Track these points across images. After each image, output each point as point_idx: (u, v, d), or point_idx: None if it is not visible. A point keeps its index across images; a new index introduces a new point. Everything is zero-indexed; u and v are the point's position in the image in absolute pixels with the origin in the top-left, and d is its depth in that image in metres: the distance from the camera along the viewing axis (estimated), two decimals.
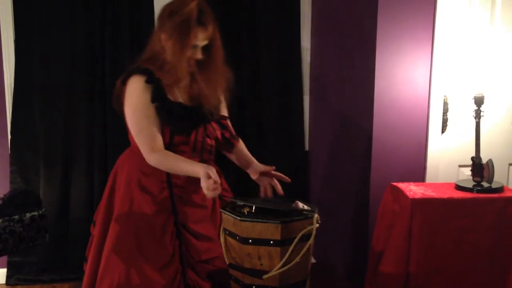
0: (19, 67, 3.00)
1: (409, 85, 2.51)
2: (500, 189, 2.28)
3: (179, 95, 2.03)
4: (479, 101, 2.32)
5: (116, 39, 3.03)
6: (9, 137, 3.05)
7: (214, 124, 2.10)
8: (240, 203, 1.96)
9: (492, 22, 2.57)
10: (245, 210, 1.91)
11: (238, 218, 1.85)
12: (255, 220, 1.83)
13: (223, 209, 1.95)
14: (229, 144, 2.17)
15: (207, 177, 1.81)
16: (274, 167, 2.14)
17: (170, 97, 2.00)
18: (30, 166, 3.07)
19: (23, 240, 2.20)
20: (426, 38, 2.49)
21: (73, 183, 3.09)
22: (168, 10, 1.97)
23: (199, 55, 1.98)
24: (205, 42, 1.97)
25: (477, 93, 2.33)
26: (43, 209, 2.32)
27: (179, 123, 1.99)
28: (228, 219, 1.90)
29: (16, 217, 2.18)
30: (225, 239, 1.94)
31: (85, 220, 3.10)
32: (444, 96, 2.55)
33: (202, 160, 2.05)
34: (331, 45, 3.04)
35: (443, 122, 2.56)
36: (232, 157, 2.24)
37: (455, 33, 2.52)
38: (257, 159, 3.31)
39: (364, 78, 2.58)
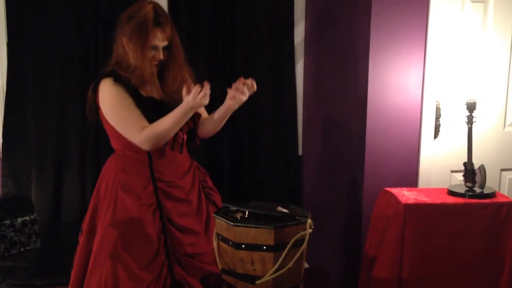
0: (12, 71, 2.98)
1: (402, 90, 2.52)
2: (492, 195, 2.29)
3: (149, 93, 2.10)
4: (471, 107, 2.34)
5: (109, 44, 3.01)
6: (1, 140, 3.03)
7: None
8: (233, 208, 1.96)
9: (484, 28, 2.59)
10: (238, 215, 1.91)
11: (231, 223, 1.84)
12: (248, 225, 1.83)
13: (216, 214, 1.95)
14: (194, 138, 2.21)
15: (195, 94, 1.90)
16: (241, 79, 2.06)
17: (142, 93, 2.08)
18: (22, 170, 3.05)
19: (14, 245, 2.19)
20: (418, 44, 2.50)
21: (65, 187, 3.07)
22: (126, 15, 2.06)
23: (160, 56, 2.06)
24: (164, 43, 2.05)
25: (469, 99, 2.35)
26: (35, 214, 2.31)
27: (152, 116, 2.03)
28: (221, 224, 1.90)
29: (8, 222, 2.17)
30: (218, 244, 1.94)
31: (77, 224, 3.05)
32: (437, 101, 2.56)
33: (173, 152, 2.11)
34: (325, 50, 3.05)
35: (435, 128, 2.57)
36: (210, 126, 2.22)
37: (447, 39, 2.54)
38: (250, 163, 3.31)
39: (357, 84, 2.59)
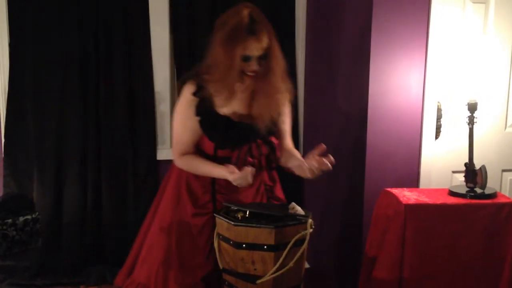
0: (14, 72, 2.99)
1: (403, 91, 2.53)
2: (493, 195, 2.29)
3: (236, 108, 2.00)
4: (472, 108, 2.34)
5: (110, 45, 3.03)
6: (3, 140, 3.04)
7: (261, 143, 2.03)
8: (234, 207, 1.96)
9: (485, 30, 2.59)
10: (239, 215, 1.91)
11: (232, 223, 1.85)
12: (249, 225, 1.83)
13: (217, 213, 1.95)
14: (270, 166, 2.14)
15: (231, 173, 1.87)
16: (323, 146, 1.96)
17: (222, 109, 1.97)
18: (23, 170, 3.06)
19: (16, 244, 2.20)
20: (420, 45, 2.50)
21: (66, 187, 3.07)
22: (221, 20, 1.92)
23: (254, 67, 1.89)
24: (258, 53, 1.88)
25: (470, 99, 2.35)
26: (36, 213, 2.32)
27: (221, 138, 1.99)
28: (222, 224, 1.90)
29: (9, 221, 2.18)
30: (219, 244, 1.94)
31: (78, 224, 3.09)
32: (438, 102, 2.56)
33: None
34: (326, 51, 3.05)
35: (436, 128, 2.57)
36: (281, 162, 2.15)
37: (448, 40, 2.54)
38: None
39: (359, 84, 2.59)
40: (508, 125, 2.69)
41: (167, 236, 2.05)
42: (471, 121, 2.34)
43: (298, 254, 1.85)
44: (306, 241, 1.87)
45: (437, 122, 2.57)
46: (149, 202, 3.13)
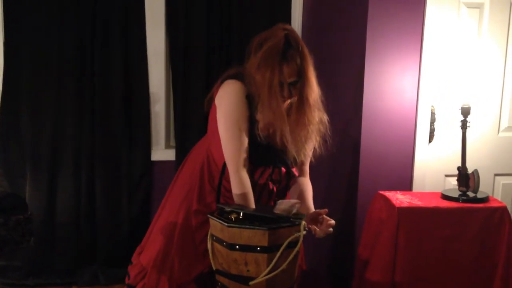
0: (8, 70, 2.97)
1: (397, 95, 2.54)
2: (485, 199, 2.30)
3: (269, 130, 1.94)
4: (465, 112, 2.35)
5: (106, 44, 3.02)
6: None
7: (284, 172, 2.01)
8: (227, 209, 1.96)
9: (479, 33, 2.61)
10: (233, 216, 1.91)
11: (226, 224, 1.84)
12: (243, 226, 1.83)
13: (210, 214, 1.95)
14: (279, 195, 2.11)
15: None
16: (326, 210, 1.98)
17: (259, 125, 1.90)
18: (16, 170, 3.05)
19: (7, 244, 2.18)
20: (414, 48, 2.51)
21: (60, 187, 3.06)
22: (257, 41, 1.87)
23: (285, 93, 1.84)
24: (291, 79, 1.83)
25: (464, 103, 2.36)
26: (29, 213, 2.31)
27: (252, 151, 1.92)
28: (216, 225, 1.90)
29: (1, 220, 2.16)
30: (212, 245, 1.94)
31: (71, 224, 3.08)
32: (431, 106, 2.57)
33: (258, 201, 2.01)
34: (321, 54, 3.06)
35: (430, 132, 2.58)
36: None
37: (443, 44, 2.55)
38: None
39: (353, 87, 2.60)
40: (501, 129, 2.70)
41: (172, 226, 2.06)
42: (464, 125, 2.35)
43: (291, 256, 1.85)
44: (300, 243, 1.87)
45: (430, 126, 2.58)
46: (143, 203, 3.17)
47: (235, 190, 1.94)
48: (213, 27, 3.12)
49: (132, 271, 2.17)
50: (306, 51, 1.88)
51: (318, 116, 1.96)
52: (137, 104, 3.12)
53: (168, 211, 2.14)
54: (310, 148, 2.07)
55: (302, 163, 2.14)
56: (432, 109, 2.57)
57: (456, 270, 2.25)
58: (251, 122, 1.91)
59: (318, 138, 2.02)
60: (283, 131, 1.88)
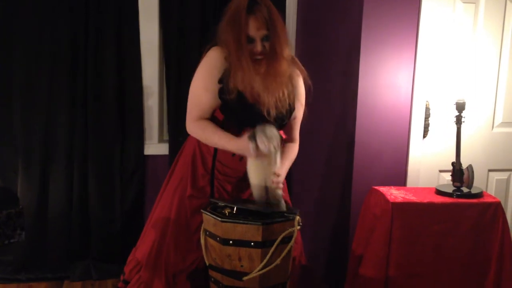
0: (0, 66, 2.94)
1: (392, 90, 2.53)
2: (479, 195, 2.30)
3: (249, 91, 1.95)
4: (460, 107, 2.35)
5: (100, 39, 2.99)
6: None
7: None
8: (221, 203, 1.95)
9: (475, 28, 2.60)
10: (226, 211, 1.90)
11: (219, 219, 1.83)
12: (236, 221, 1.82)
13: (204, 209, 1.94)
14: None
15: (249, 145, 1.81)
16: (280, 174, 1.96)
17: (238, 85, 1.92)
18: (8, 164, 3.02)
19: None
20: (409, 43, 2.51)
21: (52, 182, 3.04)
22: (226, 8, 1.94)
23: (258, 48, 1.88)
24: (262, 33, 1.87)
25: (459, 99, 2.36)
26: (20, 207, 2.28)
27: (233, 113, 1.95)
28: (209, 220, 1.89)
29: None
30: (206, 240, 1.93)
31: (64, 219, 3.06)
32: (426, 101, 2.57)
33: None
34: (316, 48, 3.05)
35: (424, 127, 2.58)
36: None
37: (438, 39, 2.54)
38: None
39: (348, 82, 2.59)
40: (495, 125, 2.70)
41: (166, 217, 2.06)
42: (458, 121, 2.35)
43: (285, 251, 1.85)
44: (294, 238, 1.86)
45: (425, 121, 2.58)
46: (136, 197, 3.15)
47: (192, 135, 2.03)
48: (207, 22, 3.10)
49: (127, 267, 2.17)
50: (272, 6, 1.92)
51: (289, 71, 1.98)
52: (130, 98, 3.09)
53: (162, 204, 2.13)
54: (298, 111, 2.09)
55: (291, 128, 2.12)
56: (427, 104, 2.57)
57: (450, 265, 2.26)
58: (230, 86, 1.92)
59: (301, 97, 2.06)
60: (251, 83, 1.90)
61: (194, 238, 2.03)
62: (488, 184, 2.73)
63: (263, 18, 1.86)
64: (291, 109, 2.04)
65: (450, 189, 2.33)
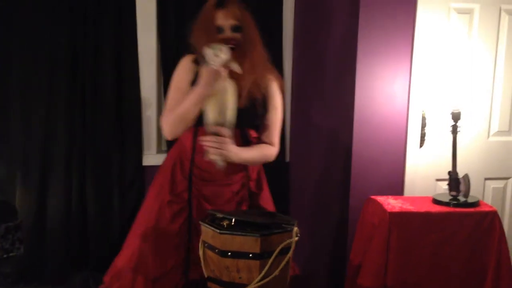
0: None
1: (388, 99, 2.55)
2: (476, 204, 2.32)
3: None
4: (456, 117, 2.36)
5: (98, 48, 3.01)
6: None
7: (238, 133, 2.04)
8: (219, 215, 1.95)
9: (469, 38, 2.63)
10: (225, 223, 1.91)
11: (218, 230, 1.84)
12: (234, 233, 1.83)
13: (202, 221, 1.94)
14: None
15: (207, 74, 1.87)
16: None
17: None
18: (6, 175, 3.02)
19: None
20: (405, 53, 2.53)
21: (50, 193, 3.04)
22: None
23: (227, 34, 1.98)
24: (231, 22, 1.98)
25: (454, 108, 2.37)
26: (19, 220, 2.29)
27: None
28: (207, 232, 1.90)
29: None
30: (204, 252, 1.93)
31: (62, 230, 3.06)
32: (422, 111, 2.59)
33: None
34: (313, 58, 3.07)
35: (421, 137, 2.60)
36: None
37: (433, 49, 2.57)
38: None
39: (344, 92, 2.61)
40: (491, 133, 2.72)
41: (147, 223, 2.09)
42: (454, 130, 2.37)
43: (284, 262, 1.86)
44: (292, 250, 1.87)
45: (421, 130, 2.60)
46: (135, 208, 3.14)
47: (165, 129, 2.07)
48: None
49: (107, 276, 2.18)
50: (242, 4, 2.04)
51: (266, 67, 2.07)
52: (129, 109, 3.10)
53: (143, 212, 2.17)
54: (273, 114, 2.10)
55: (267, 130, 2.13)
56: (423, 114, 2.59)
57: (447, 274, 2.26)
58: None
59: (275, 99, 2.09)
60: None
61: (174, 243, 2.06)
62: (484, 192, 2.75)
63: (233, 10, 1.99)
64: (264, 110, 2.09)
65: (447, 198, 2.34)
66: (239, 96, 1.98)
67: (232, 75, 1.95)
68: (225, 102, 1.93)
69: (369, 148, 2.54)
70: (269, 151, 2.12)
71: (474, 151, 2.69)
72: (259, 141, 2.12)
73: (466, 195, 2.34)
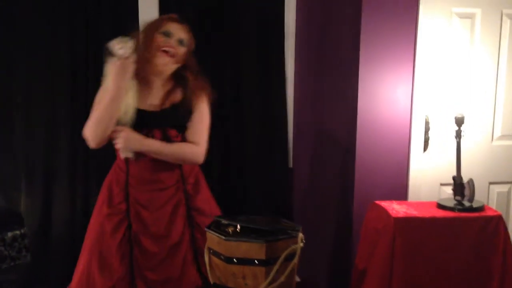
0: (0, 82, 2.97)
1: (391, 104, 2.55)
2: (480, 208, 2.31)
3: (149, 101, 2.09)
4: (459, 122, 2.36)
5: (100, 56, 3.00)
6: None
7: (158, 134, 2.08)
8: (224, 221, 1.96)
9: (472, 43, 2.63)
10: (230, 229, 1.91)
11: (223, 237, 1.85)
12: (240, 239, 1.83)
13: (207, 228, 1.95)
14: None
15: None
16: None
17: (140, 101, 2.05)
18: (11, 182, 3.02)
19: (4, 260, 2.17)
20: (407, 58, 2.53)
21: (55, 199, 3.04)
22: None
23: (172, 43, 2.03)
24: (180, 36, 2.05)
25: (458, 113, 2.38)
26: (25, 228, 2.29)
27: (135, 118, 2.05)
28: (213, 238, 1.90)
29: None
30: (210, 258, 1.93)
31: (67, 236, 3.06)
32: (426, 115, 2.59)
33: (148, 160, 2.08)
34: (315, 63, 3.08)
35: (424, 141, 2.60)
36: None
37: (436, 54, 2.57)
38: (240, 176, 3.31)
39: (347, 97, 2.62)
40: (494, 138, 2.72)
41: (91, 240, 2.11)
42: (458, 135, 2.37)
43: (289, 268, 1.86)
44: (297, 256, 1.87)
45: (425, 135, 2.60)
46: None
47: (88, 138, 2.10)
48: (208, 36, 3.13)
49: None
50: (191, 33, 2.13)
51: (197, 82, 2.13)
52: None
53: (88, 230, 2.19)
54: (194, 116, 2.13)
55: (190, 128, 2.14)
56: (426, 119, 2.59)
57: (453, 279, 2.25)
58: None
59: (201, 104, 2.15)
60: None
61: (118, 256, 2.05)
62: (489, 197, 2.75)
63: (185, 28, 2.09)
64: (188, 112, 2.12)
65: (451, 203, 2.34)
66: (161, 98, 2.06)
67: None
68: (129, 102, 1.99)
69: (372, 153, 2.54)
70: (190, 148, 2.12)
71: (478, 155, 2.69)
72: (183, 140, 2.14)
73: (471, 199, 2.33)
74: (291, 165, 3.38)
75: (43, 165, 3.02)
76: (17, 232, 2.23)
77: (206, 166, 3.16)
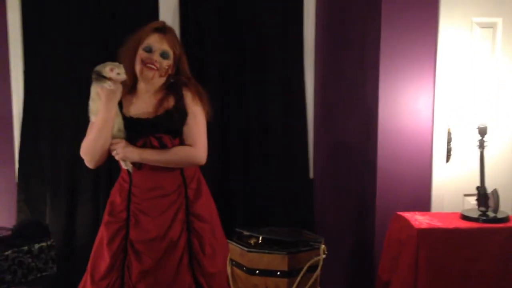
0: (28, 97, 3.05)
1: (413, 115, 2.54)
2: (505, 219, 2.28)
3: (139, 109, 2.12)
4: (482, 131, 2.34)
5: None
6: (17, 166, 3.08)
7: (153, 140, 2.10)
8: (246, 233, 1.97)
9: (493, 52, 2.62)
10: (252, 241, 1.92)
11: (245, 249, 1.86)
12: (262, 251, 1.84)
13: (230, 239, 1.96)
14: None
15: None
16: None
17: (125, 110, 2.11)
18: (37, 195, 3.09)
19: (31, 271, 2.21)
20: (428, 68, 2.53)
21: (79, 212, 3.09)
22: None
23: (154, 57, 2.05)
24: (164, 48, 2.06)
25: (480, 123, 2.36)
26: (51, 240, 2.34)
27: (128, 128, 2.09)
28: (235, 250, 1.91)
29: (25, 248, 2.19)
30: (232, 270, 1.94)
31: (91, 248, 3.09)
32: (448, 125, 2.57)
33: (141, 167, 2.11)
34: (335, 74, 3.09)
35: (447, 152, 2.58)
36: None
37: (457, 64, 2.56)
38: (261, 187, 3.31)
39: (368, 108, 2.62)
40: None
41: (94, 249, 2.17)
42: (481, 145, 2.34)
43: (312, 280, 1.86)
44: (320, 267, 1.87)
45: (447, 145, 2.58)
46: None
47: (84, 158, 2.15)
48: (227, 52, 3.16)
49: None
50: (179, 41, 2.15)
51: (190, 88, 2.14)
52: None
53: (96, 241, 2.22)
54: (190, 119, 2.14)
55: (185, 131, 2.15)
56: (448, 129, 2.57)
57: None
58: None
59: (195, 108, 2.15)
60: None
61: (110, 263, 2.08)
62: None
63: (170, 38, 2.08)
64: (182, 118, 2.13)
65: (476, 214, 2.31)
66: (154, 105, 2.09)
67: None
68: (119, 120, 2.05)
69: (394, 164, 2.53)
70: (188, 151, 2.13)
71: (502, 165, 2.65)
72: (180, 144, 2.15)
73: (496, 210, 2.30)
74: (311, 176, 3.37)
75: (68, 177, 3.08)
76: (44, 244, 2.28)
77: (228, 179, 3.20)
